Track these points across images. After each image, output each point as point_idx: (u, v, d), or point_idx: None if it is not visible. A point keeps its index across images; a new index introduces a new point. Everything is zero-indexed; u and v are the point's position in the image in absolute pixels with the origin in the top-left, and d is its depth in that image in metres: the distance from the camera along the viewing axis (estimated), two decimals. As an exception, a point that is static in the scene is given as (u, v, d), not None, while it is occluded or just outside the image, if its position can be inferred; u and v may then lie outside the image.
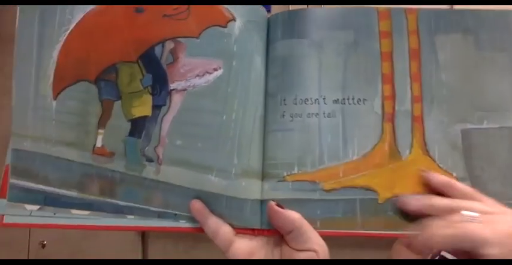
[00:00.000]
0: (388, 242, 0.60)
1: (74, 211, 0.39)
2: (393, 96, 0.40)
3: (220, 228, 0.37)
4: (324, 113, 0.39)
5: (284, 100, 0.40)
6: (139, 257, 1.39)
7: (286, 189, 0.38)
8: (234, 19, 0.40)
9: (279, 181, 0.39)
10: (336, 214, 0.38)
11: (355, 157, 0.39)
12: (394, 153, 0.39)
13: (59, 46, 0.39)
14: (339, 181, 0.38)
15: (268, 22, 0.43)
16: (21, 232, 1.38)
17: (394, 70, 0.40)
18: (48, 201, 0.39)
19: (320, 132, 0.39)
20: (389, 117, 0.40)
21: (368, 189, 0.38)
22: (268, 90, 0.41)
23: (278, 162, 0.39)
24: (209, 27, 0.39)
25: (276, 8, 1.45)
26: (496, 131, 0.39)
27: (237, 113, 0.39)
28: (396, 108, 0.40)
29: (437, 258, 0.51)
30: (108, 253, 1.35)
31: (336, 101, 0.40)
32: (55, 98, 0.39)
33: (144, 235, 1.42)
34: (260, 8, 0.42)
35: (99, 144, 0.39)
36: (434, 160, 0.39)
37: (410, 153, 0.39)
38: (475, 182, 0.39)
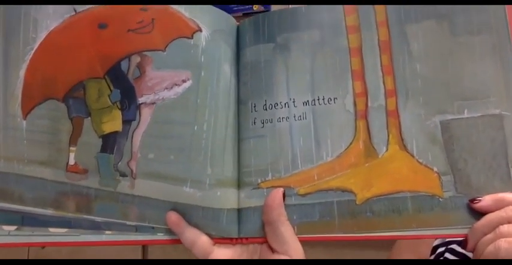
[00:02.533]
0: (389, 242, 0.59)
1: (52, 229, 0.38)
2: (365, 93, 0.38)
3: (197, 239, 0.36)
4: (294, 116, 0.38)
5: (254, 106, 0.38)
6: (139, 257, 1.38)
7: (261, 196, 0.36)
8: (199, 29, 0.39)
9: (253, 188, 0.37)
10: (312, 218, 0.36)
11: (329, 159, 0.37)
12: (370, 151, 0.37)
13: (25, 65, 0.38)
14: (313, 185, 0.36)
15: (238, 29, 0.41)
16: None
17: (364, 65, 0.38)
18: (26, 221, 0.38)
19: (292, 136, 0.37)
20: (362, 114, 0.37)
21: (345, 190, 0.36)
22: (240, 97, 0.40)
23: (252, 170, 0.37)
24: (175, 39, 0.38)
25: (275, 8, 1.44)
26: (478, 120, 0.36)
27: (208, 123, 0.37)
28: (369, 104, 0.37)
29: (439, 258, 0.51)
30: (108, 253, 1.34)
31: (305, 103, 0.38)
32: (25, 118, 0.38)
33: (144, 234, 1.40)
34: (227, 16, 0.41)
35: (71, 161, 0.38)
36: (412, 156, 0.36)
37: (387, 150, 0.37)
38: (458, 176, 0.36)
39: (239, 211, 0.37)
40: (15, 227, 0.38)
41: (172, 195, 0.37)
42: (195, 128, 0.38)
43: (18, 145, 0.38)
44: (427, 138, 0.37)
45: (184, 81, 0.38)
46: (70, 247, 0.39)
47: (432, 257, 0.51)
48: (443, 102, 0.37)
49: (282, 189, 0.36)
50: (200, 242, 0.36)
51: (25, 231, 0.38)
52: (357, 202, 0.36)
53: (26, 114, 0.38)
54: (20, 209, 0.38)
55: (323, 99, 0.38)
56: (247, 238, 0.37)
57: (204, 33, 0.39)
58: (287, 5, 1.40)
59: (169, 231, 0.37)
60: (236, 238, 0.37)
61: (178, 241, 0.37)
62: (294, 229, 0.36)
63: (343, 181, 0.37)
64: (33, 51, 0.38)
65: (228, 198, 0.37)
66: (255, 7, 1.43)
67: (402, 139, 0.37)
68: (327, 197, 0.36)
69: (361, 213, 0.36)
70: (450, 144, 0.36)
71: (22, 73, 0.38)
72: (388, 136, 0.37)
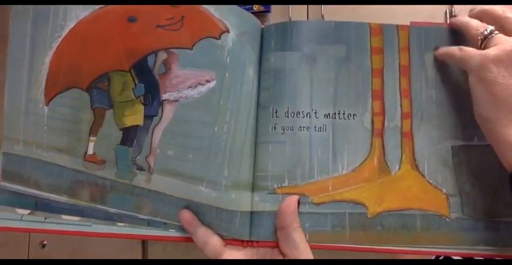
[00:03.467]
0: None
1: (65, 216, 0.38)
2: (383, 112, 0.39)
3: (209, 239, 0.36)
4: (315, 127, 0.38)
5: (276, 112, 0.38)
6: (139, 257, 1.39)
7: (275, 201, 0.37)
8: (227, 31, 0.38)
9: (269, 193, 0.37)
10: (324, 227, 0.37)
11: (344, 172, 0.38)
12: (383, 168, 0.38)
13: (51, 52, 0.37)
14: (328, 195, 0.37)
15: (262, 32, 0.41)
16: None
17: (384, 86, 0.39)
18: (40, 205, 0.38)
19: (311, 146, 0.38)
20: (378, 133, 0.38)
21: (357, 203, 0.37)
22: (259, 101, 0.40)
23: (268, 174, 0.38)
24: (202, 38, 0.38)
25: (275, 8, 1.43)
26: (486, 148, 0.37)
27: (228, 125, 0.38)
28: (386, 123, 0.39)
29: (441, 258, 0.52)
30: (108, 253, 1.34)
31: (327, 116, 0.38)
32: (47, 104, 0.37)
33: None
34: (254, 19, 0.41)
35: (90, 151, 0.37)
36: (423, 176, 0.38)
37: (399, 168, 0.38)
38: (465, 198, 0.37)
39: (252, 214, 0.38)
40: (28, 211, 0.39)
41: (187, 193, 0.37)
42: (216, 128, 0.38)
43: (38, 131, 0.38)
44: (438, 160, 0.38)
45: (208, 81, 0.38)
46: (80, 236, 0.39)
47: (433, 256, 0.52)
48: (455, 128, 0.39)
49: (297, 196, 0.37)
50: (212, 242, 0.36)
51: (38, 216, 0.39)
52: (368, 216, 0.37)
53: (48, 100, 0.38)
54: (35, 193, 0.38)
55: (343, 113, 0.39)
56: (258, 242, 0.37)
57: (231, 35, 0.39)
58: (287, 5, 1.40)
59: (181, 228, 0.38)
60: (247, 241, 0.37)
61: (190, 239, 0.37)
62: (305, 236, 0.36)
63: (356, 194, 0.37)
64: (60, 39, 0.38)
65: (242, 201, 0.38)
66: (255, 7, 1.41)
67: (414, 160, 0.38)
68: (339, 208, 0.37)
69: (372, 226, 0.37)
70: (459, 168, 0.38)
71: (48, 59, 0.38)
72: (402, 155, 0.38)
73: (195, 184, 0.37)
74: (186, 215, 0.37)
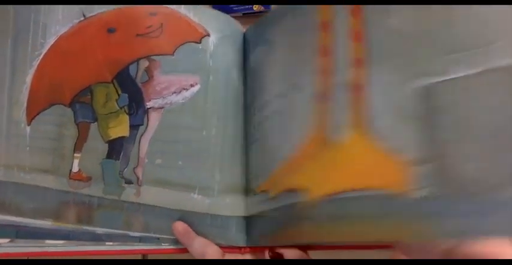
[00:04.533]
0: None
1: (49, 241, 0.35)
2: (330, 69, 0.31)
3: (207, 249, 0.33)
4: (274, 112, 0.34)
5: (254, 110, 0.37)
6: (139, 257, 1.32)
7: (265, 202, 0.34)
8: (207, 34, 0.38)
9: (255, 194, 0.35)
10: (278, 225, 0.32)
11: (290, 154, 0.32)
12: (326, 141, 0.29)
13: (32, 71, 0.37)
14: (276, 186, 0.33)
15: (245, 35, 0.41)
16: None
17: (333, 38, 0.31)
18: (21, 234, 0.35)
19: (273, 133, 0.35)
20: (323, 97, 0.31)
21: (300, 189, 0.30)
22: (244, 102, 0.39)
23: (254, 175, 0.36)
24: (183, 43, 0.37)
25: (275, 8, 1.45)
26: (476, 79, 0.24)
27: (216, 128, 0.36)
28: (332, 81, 0.30)
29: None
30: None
31: (280, 96, 0.34)
32: (29, 124, 0.36)
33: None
34: (234, 23, 0.41)
35: (75, 168, 0.36)
36: (377, 140, 0.27)
37: (346, 136, 0.29)
38: (442, 164, 0.24)
39: (247, 218, 0.36)
40: (8, 240, 0.36)
41: (179, 202, 0.35)
42: (204, 132, 0.36)
43: (20, 153, 0.36)
44: (399, 114, 0.26)
45: (192, 85, 0.37)
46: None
47: None
48: (426, 60, 0.26)
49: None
50: (210, 252, 0.33)
51: (19, 242, 0.36)
52: (310, 203, 0.30)
53: (30, 120, 0.37)
54: (16, 222, 0.36)
55: (292, 88, 0.34)
56: (255, 248, 0.34)
57: (212, 38, 0.39)
58: (286, 5, 1.42)
59: (175, 242, 0.35)
60: (244, 247, 0.35)
61: (185, 250, 0.35)
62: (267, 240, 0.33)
63: (299, 179, 0.31)
64: (41, 57, 0.37)
65: (237, 205, 0.35)
66: (255, 7, 1.44)
67: (367, 121, 0.28)
68: (285, 200, 0.32)
69: (314, 218, 0.29)
70: (431, 119, 0.25)
71: (29, 79, 0.37)
72: (349, 120, 0.29)
73: (186, 192, 0.35)
74: (180, 227, 0.34)
